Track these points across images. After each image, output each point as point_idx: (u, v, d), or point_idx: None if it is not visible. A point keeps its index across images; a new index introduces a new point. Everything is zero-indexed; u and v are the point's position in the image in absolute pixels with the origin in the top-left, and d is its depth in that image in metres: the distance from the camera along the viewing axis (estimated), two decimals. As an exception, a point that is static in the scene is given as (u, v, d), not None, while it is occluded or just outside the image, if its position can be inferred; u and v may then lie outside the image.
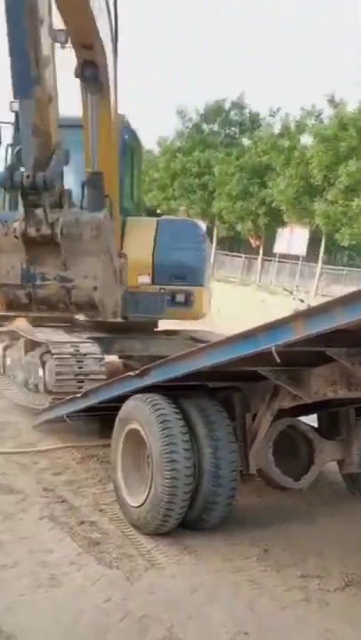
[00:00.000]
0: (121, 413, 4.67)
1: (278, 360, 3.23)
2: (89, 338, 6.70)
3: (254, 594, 3.66)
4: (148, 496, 4.19)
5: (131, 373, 4.57)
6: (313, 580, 3.83)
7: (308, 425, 5.01)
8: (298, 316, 3.09)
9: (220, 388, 4.64)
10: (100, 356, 6.36)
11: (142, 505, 4.24)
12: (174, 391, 4.44)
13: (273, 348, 3.20)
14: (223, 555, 4.12)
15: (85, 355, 6.22)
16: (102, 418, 6.08)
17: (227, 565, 3.99)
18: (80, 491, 5.15)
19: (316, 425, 5.22)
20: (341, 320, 2.82)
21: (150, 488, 4.16)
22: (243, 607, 3.51)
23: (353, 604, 3.62)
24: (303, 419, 5.06)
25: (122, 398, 4.73)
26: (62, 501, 4.88)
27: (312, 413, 5.25)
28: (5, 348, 8.24)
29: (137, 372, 4.48)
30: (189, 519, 4.26)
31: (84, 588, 3.60)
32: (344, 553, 4.24)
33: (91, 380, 6.07)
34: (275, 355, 3.21)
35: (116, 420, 4.73)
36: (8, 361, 8.08)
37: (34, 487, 5.14)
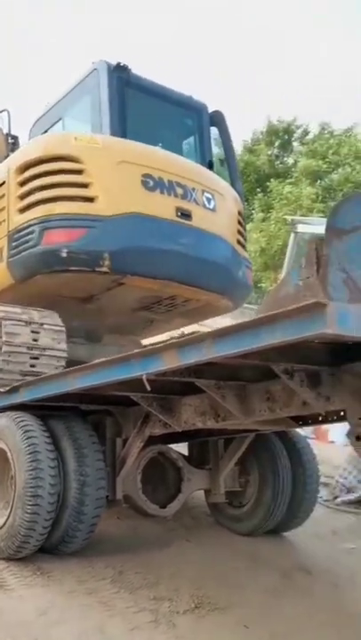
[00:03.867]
0: None
1: (149, 388, 3.23)
2: None
3: (105, 615, 3.60)
4: (5, 523, 4.04)
5: (0, 389, 4.41)
6: (164, 602, 3.83)
7: (178, 453, 5.05)
8: (169, 347, 3.09)
9: (93, 411, 4.59)
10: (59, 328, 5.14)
11: (2, 527, 4.08)
12: (46, 410, 4.34)
13: (144, 376, 3.20)
14: (77, 576, 4.05)
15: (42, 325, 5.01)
16: None
17: (80, 587, 3.92)
18: None
19: (186, 453, 5.29)
20: (211, 354, 2.86)
21: (9, 516, 4.02)
22: (92, 629, 3.43)
23: (200, 625, 3.64)
24: (174, 446, 5.11)
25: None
26: None
27: (183, 442, 5.31)
28: None
29: (6, 389, 4.32)
30: (47, 546, 4.15)
31: None
32: (197, 576, 4.29)
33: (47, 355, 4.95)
34: (145, 382, 3.20)
35: None
36: None
37: None
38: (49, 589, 3.83)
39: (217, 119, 6.60)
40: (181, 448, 5.26)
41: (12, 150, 6.90)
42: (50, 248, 4.91)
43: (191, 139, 6.73)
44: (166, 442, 4.93)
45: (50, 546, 4.15)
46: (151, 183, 5.25)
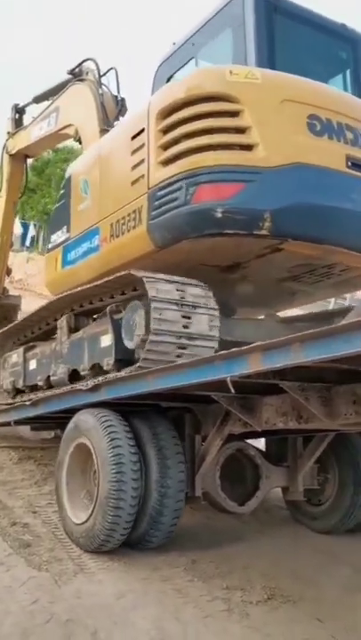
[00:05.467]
0: (74, 421, 4.52)
1: (233, 391, 3.22)
2: None
3: (180, 602, 3.65)
4: (89, 519, 4.10)
5: (82, 387, 4.47)
6: (237, 592, 3.85)
7: (257, 449, 5.02)
8: (254, 350, 3.06)
9: (172, 408, 4.59)
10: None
11: (82, 524, 4.16)
12: (127, 407, 4.37)
13: (228, 379, 3.18)
14: (152, 563, 4.12)
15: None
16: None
17: (155, 574, 3.98)
18: (15, 491, 5.10)
19: (263, 448, 5.26)
20: (298, 358, 2.81)
21: (92, 513, 4.06)
22: (167, 615, 3.49)
23: (273, 616, 3.65)
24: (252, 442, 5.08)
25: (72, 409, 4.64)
26: (-4, 501, 4.81)
27: (261, 437, 5.28)
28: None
29: (89, 386, 4.39)
30: (130, 541, 4.20)
31: (10, 590, 3.55)
32: (269, 568, 4.28)
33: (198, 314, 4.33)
34: (230, 385, 3.18)
35: (69, 425, 4.57)
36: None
37: (-33, 486, 5.04)
38: (126, 575, 3.93)
39: None
40: (258, 443, 5.24)
41: (121, 113, 6.33)
42: (201, 207, 4.18)
43: (342, 75, 5.58)
44: (244, 437, 4.89)
45: (134, 540, 4.21)
46: (318, 126, 4.45)
